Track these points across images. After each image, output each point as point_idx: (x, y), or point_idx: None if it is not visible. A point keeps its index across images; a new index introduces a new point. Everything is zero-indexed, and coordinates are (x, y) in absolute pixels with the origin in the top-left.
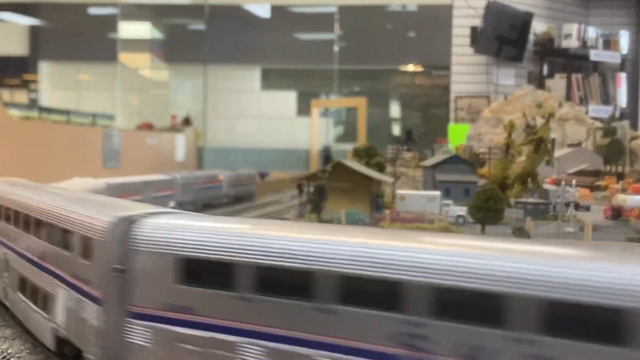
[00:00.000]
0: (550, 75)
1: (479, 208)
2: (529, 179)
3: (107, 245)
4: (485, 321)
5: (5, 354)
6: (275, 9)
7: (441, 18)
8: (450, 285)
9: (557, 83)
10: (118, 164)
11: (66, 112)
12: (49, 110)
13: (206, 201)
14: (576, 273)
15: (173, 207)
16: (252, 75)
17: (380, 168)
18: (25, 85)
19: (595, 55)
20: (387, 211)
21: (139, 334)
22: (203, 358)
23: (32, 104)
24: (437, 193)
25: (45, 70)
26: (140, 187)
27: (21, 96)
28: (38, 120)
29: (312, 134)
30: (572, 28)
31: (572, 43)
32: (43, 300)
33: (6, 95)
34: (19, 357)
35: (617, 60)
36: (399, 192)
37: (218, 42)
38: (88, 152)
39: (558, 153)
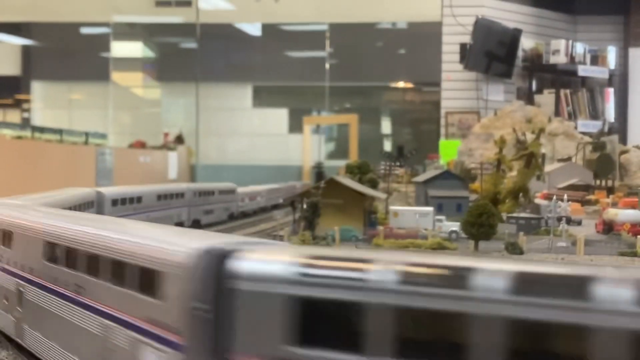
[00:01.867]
0: (539, 90)
1: (472, 223)
2: (521, 194)
3: (187, 281)
4: None
5: None
6: (266, 27)
7: (431, 35)
8: None
9: (546, 98)
10: (110, 183)
11: (59, 131)
12: (42, 130)
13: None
14: None
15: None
16: (244, 93)
17: (373, 184)
18: (17, 105)
19: (583, 70)
20: (380, 227)
21: None
22: None
23: (25, 124)
24: (430, 209)
25: (38, 89)
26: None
27: (14, 116)
28: (31, 140)
29: (304, 151)
30: (560, 44)
31: (560, 59)
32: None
33: None
34: None
35: (605, 76)
36: (392, 208)
37: (210, 61)
38: (81, 170)
39: (548, 168)
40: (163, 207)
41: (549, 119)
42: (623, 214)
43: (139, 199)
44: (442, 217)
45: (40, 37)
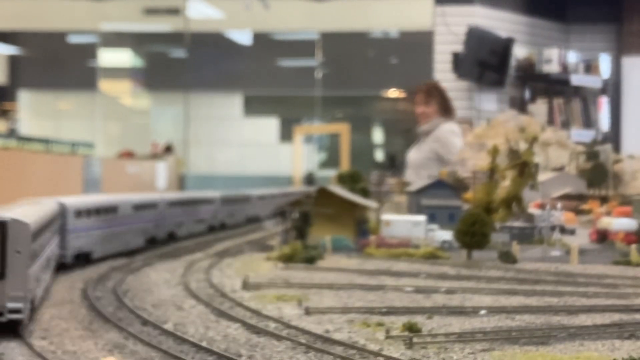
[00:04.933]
0: (532, 100)
1: (465, 232)
2: (514, 203)
3: None
4: None
5: None
6: (256, 36)
7: (423, 44)
8: None
9: (539, 108)
10: (98, 193)
11: (45, 141)
12: (28, 139)
13: None
14: None
15: None
16: (234, 102)
17: (365, 193)
18: (4, 114)
19: (576, 79)
20: (372, 237)
21: None
22: None
23: (11, 133)
24: (423, 218)
25: (25, 99)
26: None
27: (0, 125)
28: (17, 150)
29: (295, 160)
30: (553, 53)
31: (553, 68)
32: None
33: None
34: None
35: (598, 85)
36: (384, 217)
37: (199, 70)
38: (68, 181)
39: (541, 177)
40: None
41: (542, 128)
42: (617, 223)
43: None
44: (435, 227)
45: (27, 45)
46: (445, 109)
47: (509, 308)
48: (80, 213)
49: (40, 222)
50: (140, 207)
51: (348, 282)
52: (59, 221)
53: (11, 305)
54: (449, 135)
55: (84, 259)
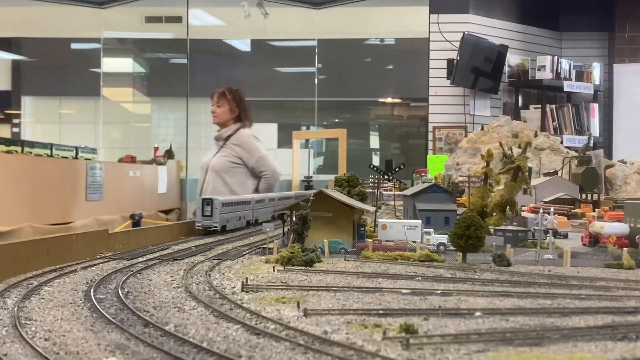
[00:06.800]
0: (525, 106)
1: (460, 236)
2: (508, 207)
3: None
4: None
5: None
6: (255, 43)
7: (418, 51)
8: None
9: (532, 114)
10: (101, 197)
11: (49, 146)
12: (32, 144)
13: None
14: None
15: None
16: None
17: (362, 197)
18: (8, 119)
19: (568, 86)
20: (369, 240)
21: None
22: None
23: (15, 138)
24: (419, 221)
25: (28, 104)
26: None
27: (4, 131)
28: (21, 154)
29: (294, 165)
30: (546, 60)
31: (546, 75)
32: None
33: None
34: None
35: (590, 91)
36: (381, 221)
37: (200, 76)
38: (71, 185)
39: (534, 182)
40: None
41: (535, 134)
42: (609, 227)
43: None
44: (430, 230)
45: (31, 52)
46: (241, 116)
47: (504, 310)
48: (257, 201)
49: (228, 202)
50: (269, 199)
51: (346, 285)
52: (250, 204)
53: (227, 224)
54: (250, 139)
55: (255, 222)
